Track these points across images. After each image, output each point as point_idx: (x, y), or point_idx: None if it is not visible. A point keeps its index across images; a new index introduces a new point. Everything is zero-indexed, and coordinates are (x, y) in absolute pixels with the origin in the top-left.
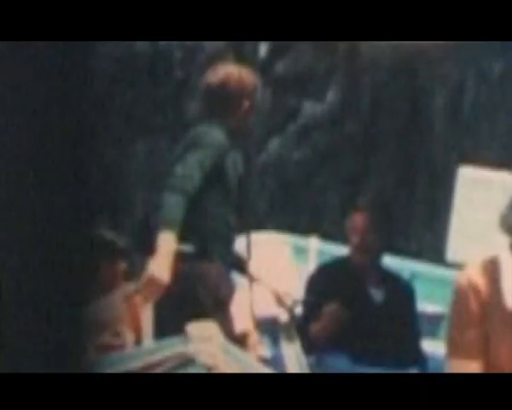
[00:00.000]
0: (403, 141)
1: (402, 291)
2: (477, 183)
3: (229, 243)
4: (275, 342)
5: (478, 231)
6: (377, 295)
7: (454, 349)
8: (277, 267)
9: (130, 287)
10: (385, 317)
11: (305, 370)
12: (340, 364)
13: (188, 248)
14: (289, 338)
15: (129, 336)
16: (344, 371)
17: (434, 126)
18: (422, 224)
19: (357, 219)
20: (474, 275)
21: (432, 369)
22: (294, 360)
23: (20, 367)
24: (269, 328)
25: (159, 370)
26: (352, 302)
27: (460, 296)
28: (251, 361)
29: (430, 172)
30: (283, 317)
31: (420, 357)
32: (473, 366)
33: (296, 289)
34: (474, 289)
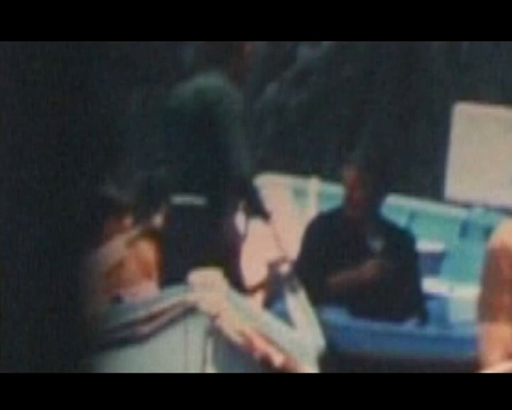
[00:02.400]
0: (401, 82)
1: (402, 240)
2: (474, 119)
3: (238, 192)
4: (278, 291)
5: (476, 168)
6: (376, 245)
7: (485, 313)
8: (277, 210)
9: (132, 233)
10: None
11: (312, 320)
12: (339, 318)
13: (200, 200)
14: (292, 289)
15: (144, 285)
16: (343, 325)
17: (433, 66)
18: (422, 165)
19: (347, 175)
20: (507, 237)
21: (433, 309)
22: (300, 310)
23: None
24: (272, 276)
25: (162, 319)
26: (350, 253)
27: (493, 259)
28: (254, 309)
29: (429, 113)
30: (284, 268)
31: (421, 306)
32: (504, 330)
33: (296, 232)
34: (508, 252)
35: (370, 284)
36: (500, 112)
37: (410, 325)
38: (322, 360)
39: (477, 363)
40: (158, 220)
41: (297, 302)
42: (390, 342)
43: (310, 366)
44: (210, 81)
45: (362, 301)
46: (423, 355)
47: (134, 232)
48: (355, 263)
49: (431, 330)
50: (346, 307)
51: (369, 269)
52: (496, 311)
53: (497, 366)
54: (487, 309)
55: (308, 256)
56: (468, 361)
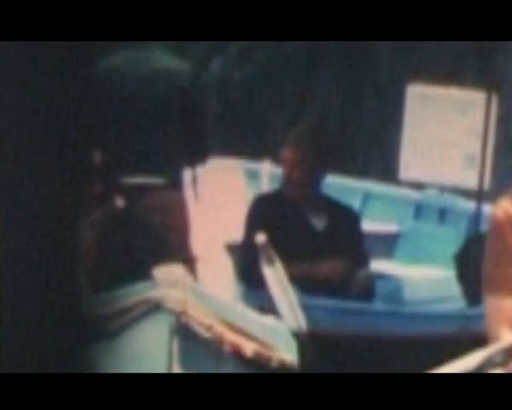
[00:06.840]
0: (347, 56)
1: (345, 217)
2: (427, 100)
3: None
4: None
5: (429, 148)
6: (318, 223)
7: (489, 285)
8: (231, 193)
9: (95, 215)
10: (327, 245)
11: (290, 291)
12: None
13: (158, 180)
14: (269, 260)
15: None
16: (300, 304)
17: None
18: (369, 141)
19: (285, 154)
20: (510, 207)
21: (388, 290)
22: (278, 285)
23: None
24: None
25: (129, 315)
26: (291, 233)
27: (496, 230)
28: (221, 301)
29: (376, 88)
30: (260, 238)
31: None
32: (510, 303)
33: None
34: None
35: (326, 280)
36: (453, 92)
37: (355, 296)
38: (299, 338)
39: (424, 338)
40: (120, 202)
41: (274, 274)
42: (341, 318)
43: (285, 350)
44: (174, 63)
45: (311, 282)
46: (372, 330)
47: (97, 214)
48: (296, 243)
49: (379, 306)
50: (297, 285)
51: (325, 269)
52: (501, 284)
53: (504, 340)
54: (493, 283)
55: (250, 239)
56: (417, 336)
